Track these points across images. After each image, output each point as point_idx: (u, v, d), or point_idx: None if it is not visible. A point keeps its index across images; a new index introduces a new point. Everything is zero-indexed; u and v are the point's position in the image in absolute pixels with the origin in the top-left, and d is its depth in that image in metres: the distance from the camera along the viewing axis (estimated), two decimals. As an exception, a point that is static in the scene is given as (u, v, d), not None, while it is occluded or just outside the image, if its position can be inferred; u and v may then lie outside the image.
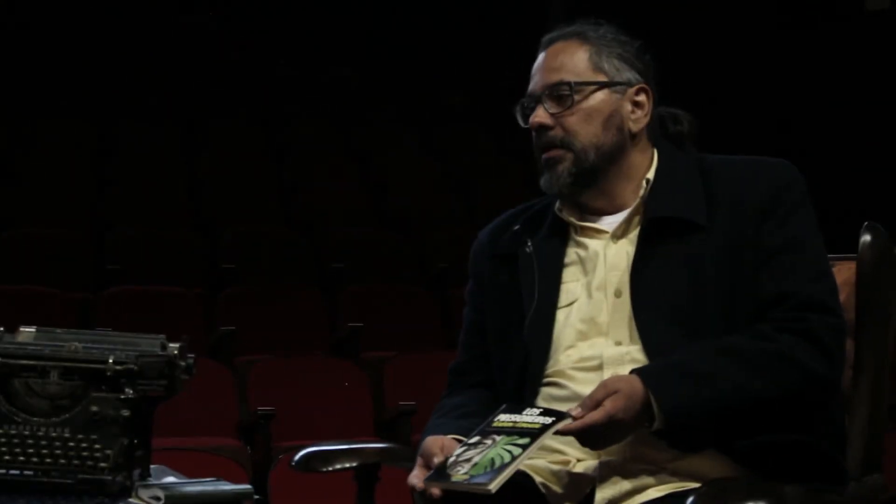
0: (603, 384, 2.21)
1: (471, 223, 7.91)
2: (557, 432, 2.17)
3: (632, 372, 2.23)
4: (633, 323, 2.32)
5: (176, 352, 2.32)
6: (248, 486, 2.31)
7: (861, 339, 2.42)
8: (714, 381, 2.20)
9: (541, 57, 2.45)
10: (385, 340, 6.69)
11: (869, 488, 2.34)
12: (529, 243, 2.46)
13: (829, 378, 2.27)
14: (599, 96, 2.40)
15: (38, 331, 2.38)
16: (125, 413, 2.25)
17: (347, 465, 2.46)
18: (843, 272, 2.46)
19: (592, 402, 2.18)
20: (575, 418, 2.17)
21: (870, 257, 2.41)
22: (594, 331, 2.36)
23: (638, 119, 2.42)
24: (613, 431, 2.19)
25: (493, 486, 2.10)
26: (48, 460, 2.23)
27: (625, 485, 2.27)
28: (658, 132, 2.48)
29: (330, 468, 2.43)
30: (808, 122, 10.05)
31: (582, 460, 2.33)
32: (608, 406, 2.17)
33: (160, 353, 2.32)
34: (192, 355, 2.34)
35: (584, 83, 2.39)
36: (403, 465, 2.56)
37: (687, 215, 2.34)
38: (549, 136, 2.40)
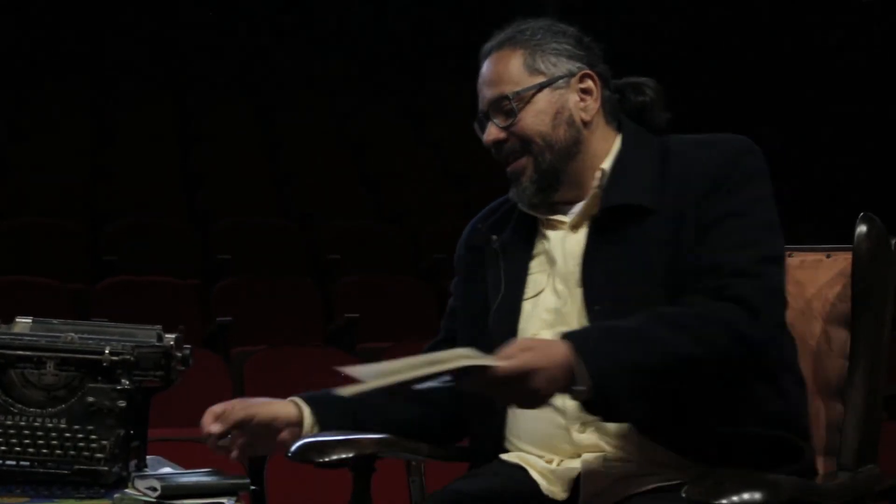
0: (517, 342, 2.17)
1: (466, 214, 7.88)
2: (470, 377, 2.12)
3: (561, 336, 2.19)
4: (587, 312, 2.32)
5: (172, 343, 2.32)
6: (245, 477, 2.31)
7: (856, 329, 2.42)
8: (641, 342, 2.16)
9: (482, 70, 2.44)
10: (381, 331, 6.69)
11: (864, 478, 2.34)
12: (497, 237, 2.47)
13: (758, 339, 2.21)
14: (541, 98, 2.39)
15: (34, 321, 2.38)
16: (121, 404, 2.25)
17: (344, 455, 2.46)
18: (839, 263, 2.47)
19: (505, 356, 2.13)
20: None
21: (865, 248, 2.42)
22: (559, 321, 2.37)
23: (587, 107, 2.40)
24: (528, 386, 2.11)
25: (347, 392, 2.12)
26: (44, 451, 2.23)
27: (607, 480, 2.28)
28: (618, 108, 2.46)
29: (326, 459, 2.44)
30: (806, 114, 10.05)
31: (564, 461, 2.35)
32: (526, 357, 2.11)
33: (156, 343, 2.32)
34: (189, 346, 2.34)
35: (523, 91, 2.38)
36: (400, 455, 2.57)
37: (636, 200, 2.32)
38: (506, 149, 2.41)
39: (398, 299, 7.19)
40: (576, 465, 2.33)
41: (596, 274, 2.33)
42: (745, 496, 1.99)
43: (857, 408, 2.39)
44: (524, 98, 2.38)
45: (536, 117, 2.38)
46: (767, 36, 10.42)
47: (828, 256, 2.50)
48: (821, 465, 2.44)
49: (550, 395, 2.15)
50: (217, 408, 2.42)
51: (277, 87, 11.26)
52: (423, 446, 2.54)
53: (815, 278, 2.50)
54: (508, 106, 2.38)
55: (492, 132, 2.41)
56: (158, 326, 2.37)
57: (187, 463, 2.48)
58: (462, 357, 2.12)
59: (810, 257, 2.53)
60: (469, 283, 2.54)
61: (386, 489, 2.80)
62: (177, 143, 9.89)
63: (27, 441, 2.24)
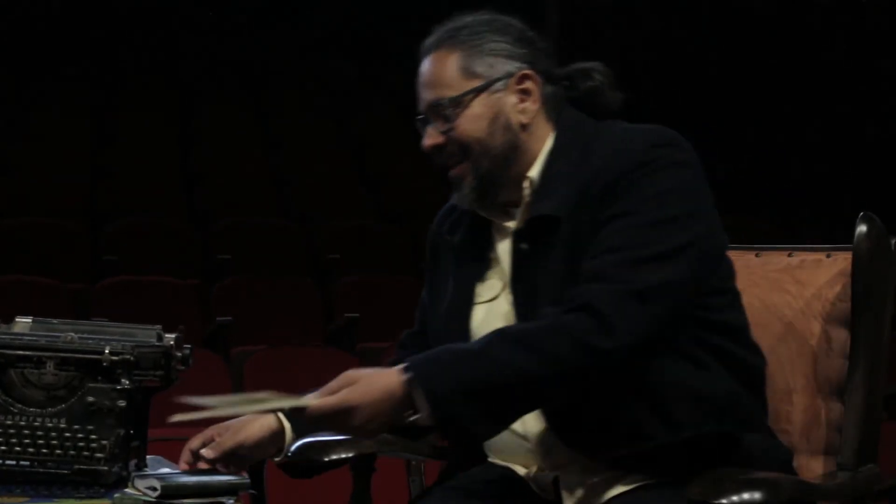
0: (342, 375, 2.17)
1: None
2: (296, 413, 2.16)
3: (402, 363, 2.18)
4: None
5: (172, 342, 2.32)
6: (245, 477, 2.31)
7: (856, 329, 2.42)
8: (481, 363, 2.12)
9: (420, 69, 2.38)
10: (381, 331, 6.69)
11: (864, 478, 2.34)
12: (454, 236, 2.44)
13: (607, 349, 2.12)
14: (478, 102, 2.31)
15: (34, 321, 2.38)
16: (121, 404, 2.25)
17: (344, 455, 2.46)
18: (839, 263, 2.47)
19: (328, 391, 2.16)
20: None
21: (865, 248, 2.41)
22: None
23: (526, 109, 2.33)
24: (349, 423, 2.14)
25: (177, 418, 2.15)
26: (44, 451, 2.23)
27: (586, 486, 2.28)
28: (562, 100, 2.37)
29: (326, 459, 2.44)
30: (806, 114, 10.05)
31: (542, 471, 2.35)
32: (344, 394, 2.13)
33: (156, 343, 2.32)
34: (189, 346, 2.34)
35: (459, 96, 2.31)
36: (400, 455, 2.57)
37: (549, 211, 2.26)
38: (445, 154, 2.35)
39: (398, 299, 7.19)
40: (550, 477, 2.33)
41: (522, 288, 2.30)
42: (745, 496, 1.99)
43: (857, 408, 2.39)
44: (461, 103, 2.31)
45: (473, 123, 2.31)
46: (768, 34, 10.42)
47: (828, 256, 2.50)
48: (821, 465, 2.45)
49: (377, 428, 2.16)
50: (194, 443, 2.40)
51: (277, 87, 11.26)
52: (423, 446, 2.54)
53: (815, 278, 2.50)
54: (445, 111, 2.32)
55: (430, 137, 2.36)
56: (158, 326, 2.37)
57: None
58: (277, 399, 2.16)
59: (810, 257, 2.53)
60: (433, 280, 2.52)
61: (386, 489, 2.80)
62: (177, 143, 9.90)
63: (27, 441, 2.23)
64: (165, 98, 10.71)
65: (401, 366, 2.15)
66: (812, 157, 9.79)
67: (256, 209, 8.48)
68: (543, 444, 2.32)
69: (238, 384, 5.97)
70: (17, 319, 2.38)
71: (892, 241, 2.43)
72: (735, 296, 2.35)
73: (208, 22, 11.73)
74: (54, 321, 2.38)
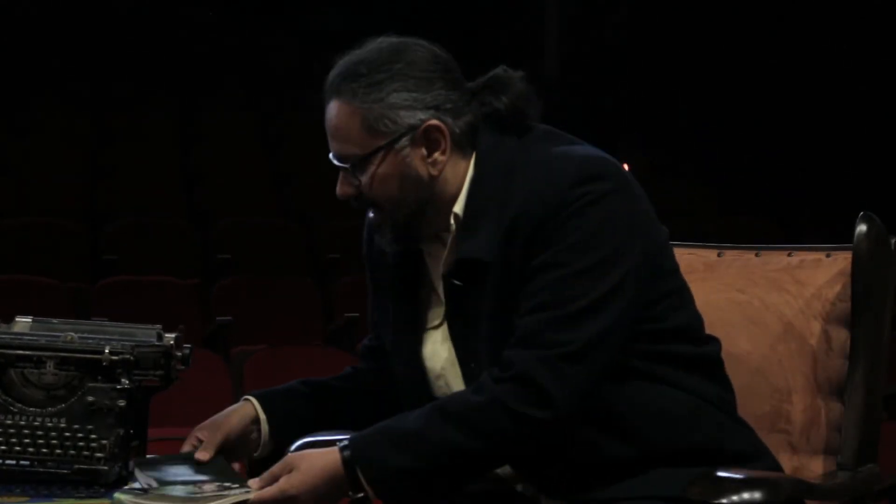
0: (284, 460, 2.20)
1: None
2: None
3: (342, 442, 2.19)
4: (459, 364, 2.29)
5: (172, 342, 2.32)
6: (245, 478, 2.31)
7: (856, 329, 2.42)
8: (422, 444, 2.14)
9: (326, 111, 2.28)
10: (381, 331, 6.69)
11: (864, 478, 2.35)
12: (390, 256, 2.36)
13: (550, 419, 2.12)
14: (385, 162, 2.22)
15: (34, 321, 2.38)
16: (121, 403, 2.25)
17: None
18: (839, 262, 2.47)
19: (270, 477, 2.18)
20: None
21: (865, 247, 2.42)
22: (456, 361, 2.31)
23: (435, 160, 2.23)
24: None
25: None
26: (44, 450, 2.23)
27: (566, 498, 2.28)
28: (477, 125, 2.28)
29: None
30: (806, 113, 10.05)
31: (520, 482, 2.34)
32: (281, 483, 2.16)
33: (156, 343, 2.32)
34: (189, 346, 2.34)
35: (365, 157, 2.22)
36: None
37: (476, 255, 2.22)
38: (358, 203, 2.30)
39: (398, 299, 7.19)
40: (530, 488, 2.32)
41: (459, 321, 2.27)
42: (745, 496, 1.99)
43: (857, 408, 2.39)
44: (368, 162, 2.22)
45: (382, 183, 2.23)
46: (769, 35, 10.43)
47: (828, 256, 2.50)
48: (821, 465, 2.45)
49: (327, 499, 2.18)
50: (184, 450, 2.37)
51: (277, 87, 11.26)
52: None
53: (815, 278, 2.50)
54: (351, 168, 2.25)
55: (342, 186, 2.30)
56: (158, 326, 2.36)
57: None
58: (221, 496, 2.18)
59: (810, 257, 2.53)
60: (376, 293, 2.45)
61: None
62: (177, 143, 9.90)
63: (27, 440, 2.23)
64: (165, 98, 10.71)
65: (342, 444, 2.17)
66: (812, 157, 9.80)
67: (256, 209, 8.48)
68: (513, 477, 2.31)
69: (238, 384, 5.97)
70: (17, 319, 2.38)
71: (892, 241, 2.43)
72: (680, 293, 2.29)
73: (208, 22, 11.74)
74: (54, 321, 2.38)
